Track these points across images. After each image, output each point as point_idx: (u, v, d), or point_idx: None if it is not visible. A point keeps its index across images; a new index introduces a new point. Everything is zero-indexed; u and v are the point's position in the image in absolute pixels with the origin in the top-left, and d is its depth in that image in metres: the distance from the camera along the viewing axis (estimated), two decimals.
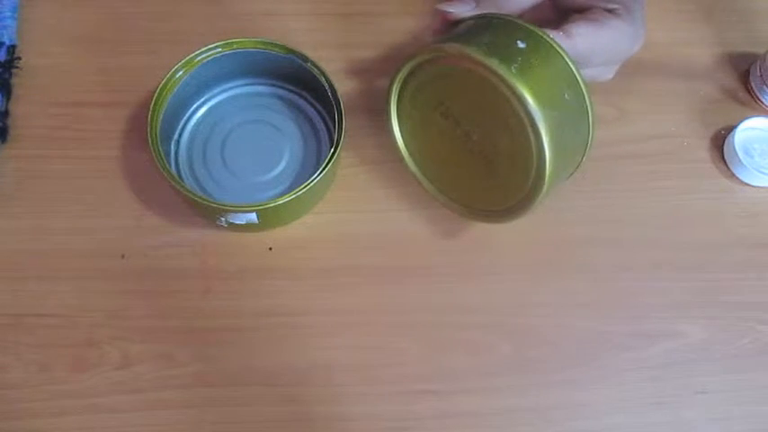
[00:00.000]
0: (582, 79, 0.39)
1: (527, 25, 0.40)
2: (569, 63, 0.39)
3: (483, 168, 0.44)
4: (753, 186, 0.53)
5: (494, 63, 0.37)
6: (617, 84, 0.55)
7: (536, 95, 0.37)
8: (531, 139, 0.38)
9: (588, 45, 0.41)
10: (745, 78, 0.56)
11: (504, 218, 0.44)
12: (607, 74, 0.46)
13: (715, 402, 0.46)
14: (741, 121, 0.53)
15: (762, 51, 0.55)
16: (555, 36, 0.39)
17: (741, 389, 0.47)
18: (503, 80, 0.37)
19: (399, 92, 0.46)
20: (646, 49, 0.56)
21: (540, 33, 0.39)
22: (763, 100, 0.55)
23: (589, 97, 0.40)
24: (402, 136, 0.48)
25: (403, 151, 0.48)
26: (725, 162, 0.53)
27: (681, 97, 0.55)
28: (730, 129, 0.54)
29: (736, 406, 0.47)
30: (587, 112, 0.40)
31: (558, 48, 0.39)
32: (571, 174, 0.43)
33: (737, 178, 0.53)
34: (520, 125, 0.38)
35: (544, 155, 0.38)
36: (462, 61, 0.39)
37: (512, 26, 0.40)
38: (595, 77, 0.45)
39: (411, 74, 0.44)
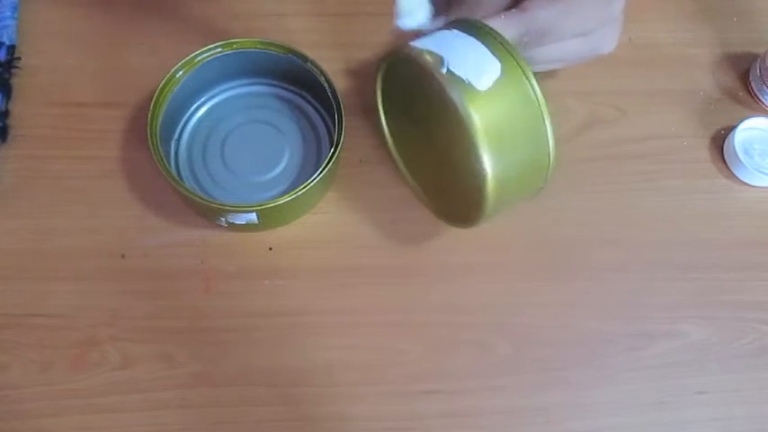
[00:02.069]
0: (520, 62, 0.37)
1: (467, 18, 0.39)
2: (505, 47, 0.37)
3: (447, 171, 0.43)
4: (753, 186, 0.53)
5: (420, 55, 0.37)
6: (617, 84, 0.55)
7: (462, 84, 0.36)
8: (467, 130, 0.36)
9: (550, 16, 0.38)
10: (745, 78, 0.56)
11: (466, 223, 0.43)
12: (603, 44, 0.41)
13: (715, 402, 0.46)
14: (741, 121, 0.53)
15: (762, 51, 0.55)
16: (507, 17, 0.38)
17: (741, 389, 0.47)
18: (430, 71, 0.37)
19: (383, 100, 0.47)
20: (646, 49, 0.57)
21: (474, 21, 0.38)
22: (763, 100, 0.55)
23: (535, 82, 0.37)
24: (392, 138, 0.49)
25: (393, 152, 0.49)
26: (725, 162, 0.53)
27: (681, 97, 0.55)
28: (730, 129, 0.54)
29: (736, 406, 0.47)
30: (536, 103, 0.37)
31: (489, 31, 0.37)
32: (544, 177, 0.41)
33: (737, 178, 0.53)
34: (456, 117, 0.37)
35: (477, 145, 0.36)
36: (404, 61, 0.39)
37: (454, 22, 0.39)
38: (595, 50, 0.41)
39: (384, 81, 0.45)
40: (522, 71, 0.37)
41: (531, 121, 0.38)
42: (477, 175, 0.37)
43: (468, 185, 0.39)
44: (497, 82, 0.37)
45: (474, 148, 0.37)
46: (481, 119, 0.36)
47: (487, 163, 0.37)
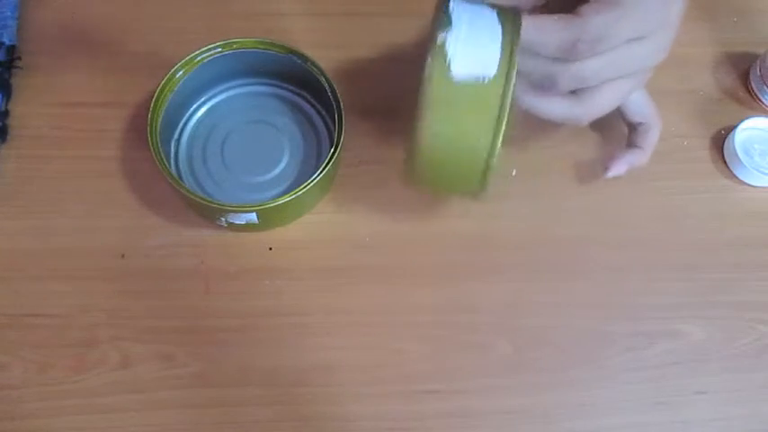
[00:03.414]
0: (509, 79, 0.35)
1: (514, 6, 0.38)
2: (511, 53, 0.36)
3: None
4: (753, 186, 0.53)
5: (441, 11, 0.36)
6: None
7: (441, 57, 0.36)
8: (421, 93, 0.36)
9: (607, 20, 0.35)
10: (745, 78, 0.56)
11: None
12: (659, 50, 0.39)
13: (715, 402, 0.46)
14: (741, 121, 0.53)
15: (762, 51, 0.55)
16: (561, 19, 0.36)
17: (741, 389, 0.47)
18: (431, 32, 0.36)
19: None
20: None
21: (514, 14, 0.37)
22: (763, 100, 0.55)
23: (506, 108, 0.36)
24: None
25: None
26: (725, 162, 0.53)
27: (681, 97, 0.55)
28: (730, 129, 0.54)
29: (737, 406, 0.47)
30: (494, 121, 0.36)
31: (514, 29, 0.36)
32: (479, 179, 0.39)
33: (737, 178, 0.53)
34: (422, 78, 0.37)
35: (422, 108, 0.36)
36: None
37: (504, 8, 0.38)
38: (651, 57, 0.39)
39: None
40: (504, 88, 0.36)
41: (481, 127, 0.37)
42: (414, 132, 0.37)
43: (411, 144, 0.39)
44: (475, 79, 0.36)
45: (420, 110, 0.36)
46: (437, 90, 0.36)
47: (424, 123, 0.36)
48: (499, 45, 0.36)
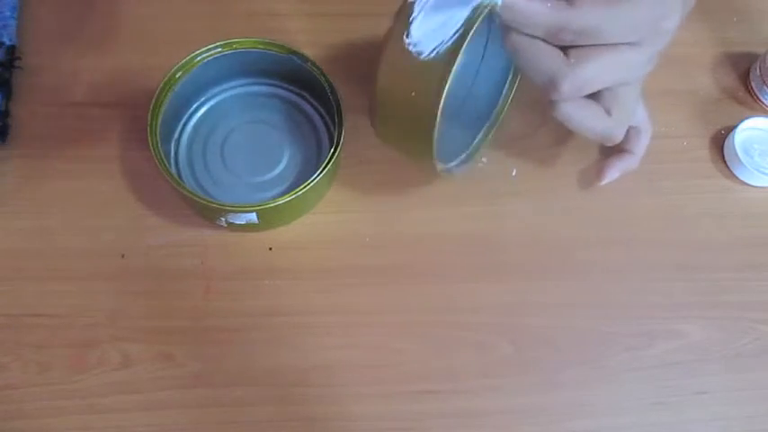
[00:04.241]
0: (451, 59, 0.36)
1: None
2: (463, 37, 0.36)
3: None
4: (753, 186, 0.53)
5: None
6: None
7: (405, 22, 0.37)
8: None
9: (598, 16, 0.35)
10: (745, 78, 0.56)
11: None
12: (653, 57, 0.38)
13: (715, 402, 0.46)
14: (741, 121, 0.53)
15: (762, 51, 0.55)
16: (552, 7, 0.35)
17: (741, 389, 0.47)
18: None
19: None
20: None
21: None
22: (763, 100, 0.55)
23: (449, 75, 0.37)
24: None
25: None
26: (725, 162, 0.53)
27: (681, 97, 0.55)
28: (730, 129, 0.54)
29: (736, 406, 0.47)
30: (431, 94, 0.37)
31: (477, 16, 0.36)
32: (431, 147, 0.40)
33: (737, 178, 0.53)
34: None
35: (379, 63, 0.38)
36: None
37: None
38: (649, 62, 0.38)
39: None
40: (450, 64, 0.36)
41: (426, 95, 0.38)
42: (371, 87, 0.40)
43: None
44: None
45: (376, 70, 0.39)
46: (391, 54, 0.38)
47: (377, 82, 0.39)
48: (459, 23, 0.36)
